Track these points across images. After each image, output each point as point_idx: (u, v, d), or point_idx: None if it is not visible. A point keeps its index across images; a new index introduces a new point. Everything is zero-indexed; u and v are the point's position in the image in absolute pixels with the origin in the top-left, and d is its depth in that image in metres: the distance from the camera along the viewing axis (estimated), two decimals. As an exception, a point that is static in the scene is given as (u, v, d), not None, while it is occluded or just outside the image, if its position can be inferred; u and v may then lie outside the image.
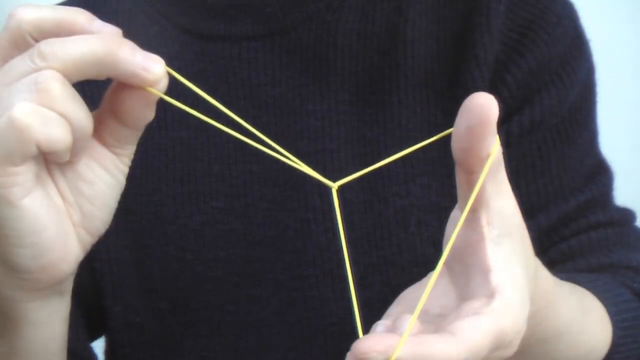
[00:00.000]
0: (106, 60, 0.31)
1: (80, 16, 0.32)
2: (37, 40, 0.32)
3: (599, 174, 0.55)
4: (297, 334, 0.52)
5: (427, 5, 0.52)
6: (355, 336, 0.29)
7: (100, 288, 0.54)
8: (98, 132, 0.34)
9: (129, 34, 0.53)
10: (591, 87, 0.55)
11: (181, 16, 0.54)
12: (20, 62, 0.31)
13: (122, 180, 0.36)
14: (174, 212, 0.53)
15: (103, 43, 0.31)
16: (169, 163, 0.53)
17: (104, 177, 0.34)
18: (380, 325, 0.30)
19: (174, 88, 0.51)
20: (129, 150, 0.35)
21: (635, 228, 0.56)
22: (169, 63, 0.53)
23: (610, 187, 0.56)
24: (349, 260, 0.31)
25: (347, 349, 0.52)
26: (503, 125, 0.51)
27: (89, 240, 0.35)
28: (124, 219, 0.53)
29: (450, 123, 0.30)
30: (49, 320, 0.37)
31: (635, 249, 0.54)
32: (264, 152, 0.34)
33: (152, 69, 0.32)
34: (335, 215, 0.31)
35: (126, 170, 0.36)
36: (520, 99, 0.52)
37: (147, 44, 0.53)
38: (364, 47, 0.52)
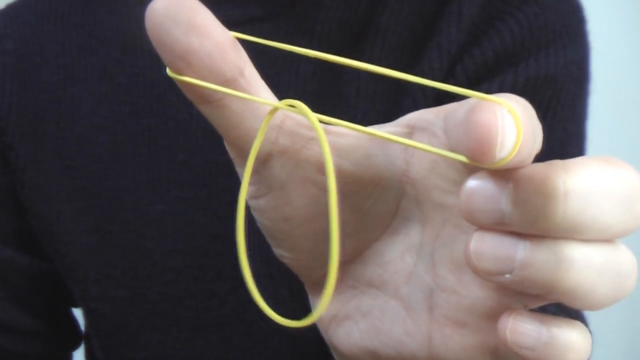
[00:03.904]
0: None
1: None
2: None
3: None
4: (254, 334, 0.49)
5: None
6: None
7: (63, 270, 0.53)
8: None
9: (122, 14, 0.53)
10: (566, 92, 0.50)
11: None
12: None
13: None
14: (137, 199, 0.50)
15: None
16: (136, 149, 0.51)
17: None
18: None
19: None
20: None
21: None
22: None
23: None
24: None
25: (305, 352, 0.49)
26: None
27: None
28: (87, 202, 0.51)
29: None
30: None
31: None
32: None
33: None
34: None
35: None
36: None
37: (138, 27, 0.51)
38: (340, 35, 0.49)
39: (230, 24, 0.49)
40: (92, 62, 0.53)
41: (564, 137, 0.50)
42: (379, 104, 0.48)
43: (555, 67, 0.49)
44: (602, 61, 0.57)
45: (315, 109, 0.51)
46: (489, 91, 0.47)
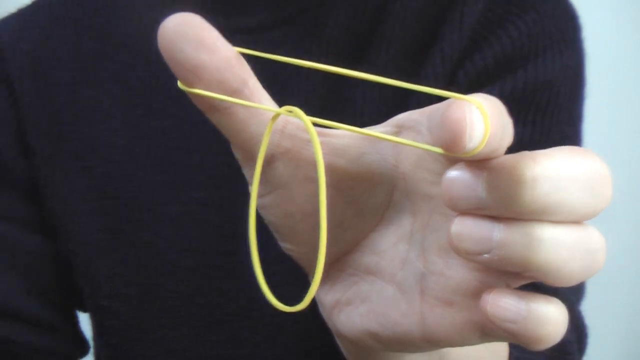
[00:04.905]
0: None
1: None
2: None
3: None
4: (262, 331, 0.51)
5: (412, 1, 0.51)
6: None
7: (75, 268, 0.54)
8: None
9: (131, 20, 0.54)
10: (563, 96, 0.52)
11: (173, 7, 0.51)
12: None
13: None
14: (151, 199, 0.52)
15: None
16: (150, 151, 0.52)
17: None
18: None
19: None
20: None
21: None
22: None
23: None
24: None
25: (311, 348, 0.51)
26: None
27: None
28: (101, 202, 0.52)
29: None
30: None
31: None
32: None
33: None
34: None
35: None
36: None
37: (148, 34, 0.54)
38: (348, 42, 0.51)
39: (242, 32, 0.53)
40: (106, 66, 0.54)
41: (561, 139, 0.52)
42: (384, 107, 0.50)
43: (553, 72, 0.51)
44: (598, 65, 0.59)
45: (324, 112, 0.54)
46: (490, 95, 0.49)
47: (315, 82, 0.51)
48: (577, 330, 0.49)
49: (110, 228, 0.53)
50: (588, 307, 0.52)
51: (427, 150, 0.24)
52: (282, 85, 0.51)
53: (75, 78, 0.55)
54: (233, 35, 0.51)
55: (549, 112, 0.51)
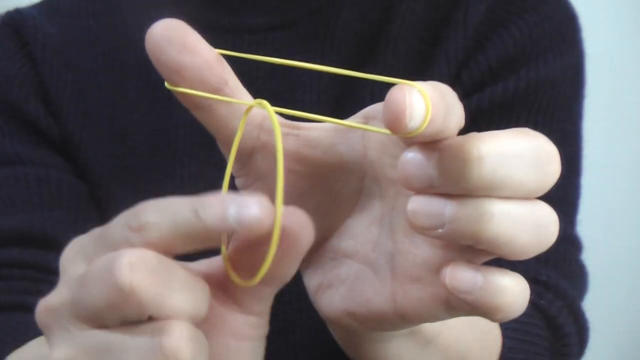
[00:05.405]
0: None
1: None
2: None
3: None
4: (275, 326, 0.50)
5: (417, 3, 0.53)
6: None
7: None
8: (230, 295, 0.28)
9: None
10: (563, 95, 0.53)
11: (186, 5, 0.55)
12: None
13: (263, 341, 0.30)
14: (172, 193, 0.51)
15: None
16: (171, 144, 0.54)
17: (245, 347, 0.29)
18: None
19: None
20: (267, 304, 0.29)
21: (570, 253, 0.53)
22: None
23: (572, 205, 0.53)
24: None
25: (323, 343, 0.50)
26: None
27: None
28: (126, 195, 0.53)
29: None
30: None
31: (552, 267, 0.51)
32: None
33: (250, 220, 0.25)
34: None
35: (266, 328, 0.30)
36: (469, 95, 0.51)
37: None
38: (355, 43, 0.53)
39: (252, 32, 0.56)
40: (126, 59, 0.56)
41: (562, 137, 0.53)
42: None
43: (554, 71, 0.52)
44: (598, 65, 0.59)
45: (335, 111, 0.55)
46: (493, 94, 0.51)
47: (326, 82, 0.52)
48: (577, 324, 0.50)
49: None
50: (589, 305, 0.52)
51: (377, 132, 0.26)
52: (295, 84, 0.53)
53: (98, 65, 0.56)
54: (243, 35, 0.55)
55: (550, 111, 0.52)
